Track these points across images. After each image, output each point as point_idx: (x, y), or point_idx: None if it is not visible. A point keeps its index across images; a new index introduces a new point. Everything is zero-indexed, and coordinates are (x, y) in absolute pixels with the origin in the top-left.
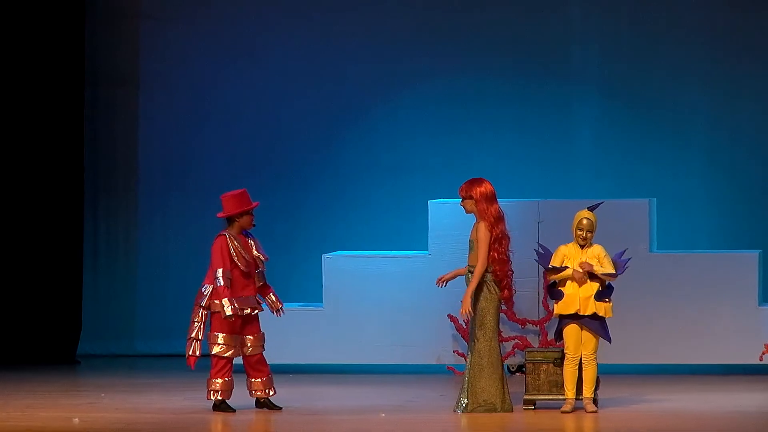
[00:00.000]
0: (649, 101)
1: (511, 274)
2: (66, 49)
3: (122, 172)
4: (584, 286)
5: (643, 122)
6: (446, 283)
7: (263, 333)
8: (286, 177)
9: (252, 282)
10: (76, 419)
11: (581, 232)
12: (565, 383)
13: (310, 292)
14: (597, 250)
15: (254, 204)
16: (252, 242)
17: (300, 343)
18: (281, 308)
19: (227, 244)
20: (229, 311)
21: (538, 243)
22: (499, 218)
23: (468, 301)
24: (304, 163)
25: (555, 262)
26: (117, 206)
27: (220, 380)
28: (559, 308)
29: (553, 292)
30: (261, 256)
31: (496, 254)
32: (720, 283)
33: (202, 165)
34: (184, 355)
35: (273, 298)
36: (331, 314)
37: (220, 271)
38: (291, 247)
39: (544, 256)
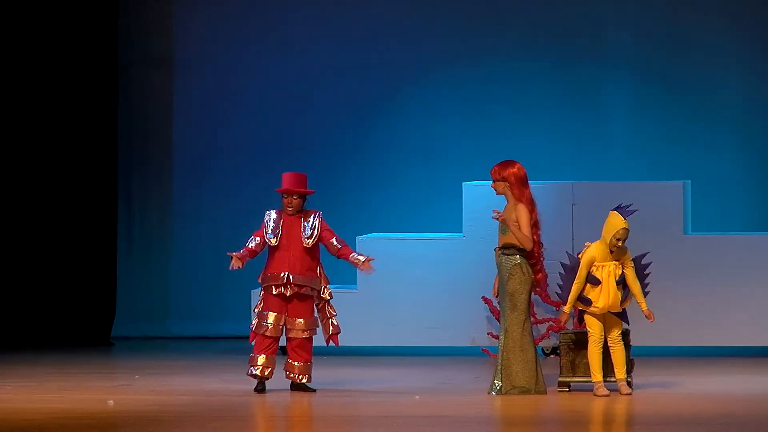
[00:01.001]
0: (684, 82)
1: (542, 258)
2: (100, 30)
3: (156, 154)
4: (614, 295)
5: (677, 103)
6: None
7: (314, 318)
8: (319, 158)
9: (288, 261)
10: (111, 401)
11: (618, 242)
12: (592, 366)
13: (344, 274)
14: (626, 255)
15: (282, 188)
16: (305, 225)
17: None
18: (367, 262)
19: (263, 220)
20: (236, 263)
21: (567, 254)
22: (533, 202)
23: (506, 216)
24: (337, 145)
25: (583, 270)
26: (151, 188)
27: (261, 356)
28: (587, 311)
29: (583, 298)
30: (305, 240)
31: (535, 237)
32: (755, 265)
33: (235, 147)
34: (218, 337)
35: (356, 257)
36: (365, 296)
37: (251, 237)
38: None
39: (570, 268)
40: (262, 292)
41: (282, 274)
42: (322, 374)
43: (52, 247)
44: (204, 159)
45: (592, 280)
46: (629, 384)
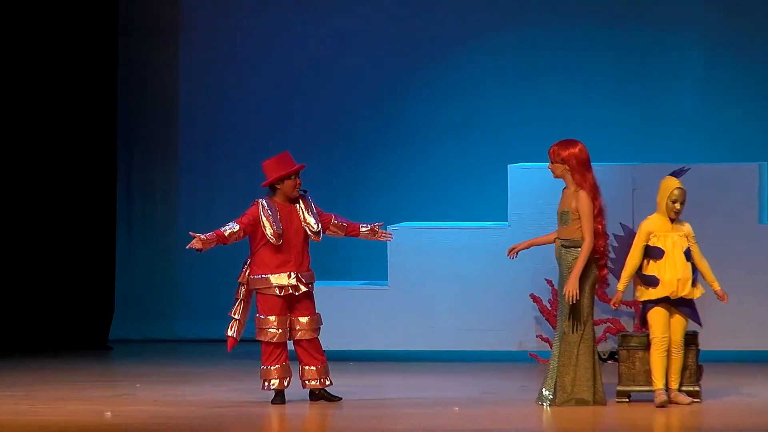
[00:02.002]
0: (760, 53)
1: (608, 251)
2: None
3: (160, 132)
4: (683, 267)
5: (752, 77)
6: (518, 253)
7: (318, 315)
8: (343, 139)
9: (293, 257)
10: (109, 413)
11: (675, 204)
12: (654, 372)
13: (374, 269)
14: (687, 228)
15: (295, 167)
16: (302, 208)
17: (362, 327)
18: (380, 228)
19: (257, 211)
20: (196, 242)
21: (621, 225)
22: (597, 187)
23: (575, 282)
24: (364, 124)
25: (639, 242)
26: (154, 169)
27: (273, 367)
28: (650, 294)
29: (646, 278)
30: (311, 225)
31: (600, 228)
32: None
33: (250, 125)
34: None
35: (367, 228)
36: (397, 294)
37: (219, 232)
38: (350, 218)
39: (624, 239)
40: (248, 294)
41: (291, 275)
42: (348, 382)
43: (41, 237)
44: (215, 137)
45: (654, 253)
46: (695, 393)
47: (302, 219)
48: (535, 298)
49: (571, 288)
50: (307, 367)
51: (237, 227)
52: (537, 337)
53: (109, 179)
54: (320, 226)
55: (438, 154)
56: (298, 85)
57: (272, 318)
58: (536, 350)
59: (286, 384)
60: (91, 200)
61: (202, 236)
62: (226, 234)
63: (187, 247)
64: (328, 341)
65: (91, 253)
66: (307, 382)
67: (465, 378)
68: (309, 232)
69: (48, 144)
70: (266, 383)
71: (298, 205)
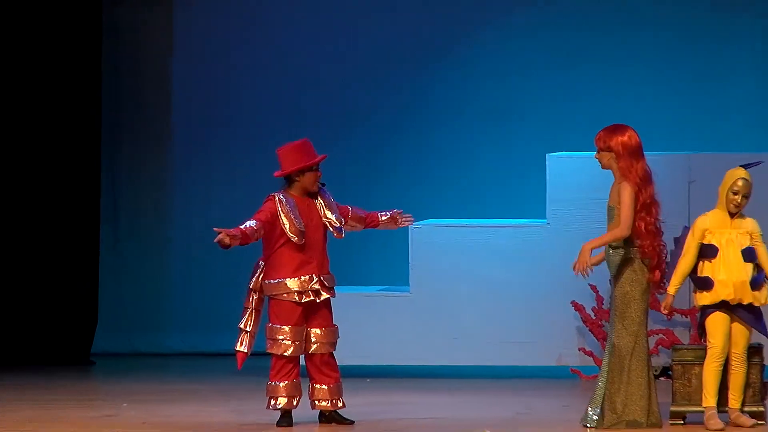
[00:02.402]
0: None
1: (664, 250)
2: None
3: (151, 119)
4: (739, 268)
5: None
6: (591, 270)
7: (335, 327)
8: (360, 129)
9: (315, 258)
10: None
11: (736, 197)
12: (705, 386)
13: (393, 272)
14: (750, 224)
15: (318, 158)
16: (321, 203)
17: (379, 339)
18: (402, 215)
19: (275, 207)
20: (221, 233)
21: (684, 228)
22: (647, 179)
23: (586, 255)
24: (383, 108)
25: (692, 241)
26: (144, 162)
27: (282, 383)
28: (705, 298)
29: (699, 280)
30: (333, 220)
31: (643, 224)
32: None
33: (252, 112)
34: (227, 354)
35: (387, 216)
36: (420, 301)
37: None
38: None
39: (682, 243)
40: (260, 302)
41: (313, 278)
42: (363, 401)
43: (16, 240)
44: (213, 125)
45: (708, 252)
46: (758, 415)
47: (322, 214)
48: (577, 306)
49: (580, 259)
50: (318, 386)
51: (257, 224)
52: (579, 350)
53: (91, 175)
54: (342, 222)
55: (466, 143)
56: (308, 70)
57: (287, 328)
58: (578, 365)
59: (294, 404)
60: (71, 198)
61: (229, 232)
62: (247, 231)
63: (214, 240)
64: (341, 355)
65: (72, 258)
66: (317, 402)
67: (497, 397)
68: (331, 228)
69: (24, 139)
70: (272, 401)
71: (316, 199)
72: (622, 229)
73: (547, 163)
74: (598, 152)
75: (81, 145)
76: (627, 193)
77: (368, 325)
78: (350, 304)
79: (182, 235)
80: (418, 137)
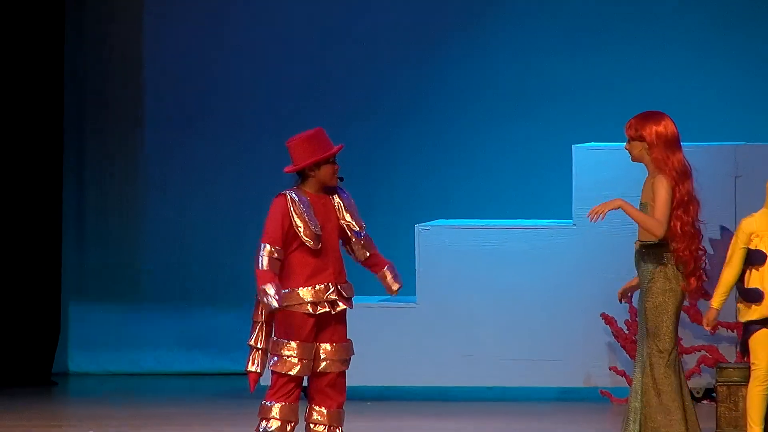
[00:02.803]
0: None
1: (703, 255)
2: None
3: (120, 107)
4: None
5: None
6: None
7: (349, 342)
8: (356, 114)
9: (331, 264)
10: None
11: None
12: (750, 412)
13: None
14: None
15: (335, 148)
16: (340, 203)
17: (382, 356)
18: (397, 290)
19: (286, 207)
20: (274, 301)
21: (721, 228)
22: (685, 173)
23: (611, 206)
24: (390, 92)
25: (737, 246)
26: (112, 156)
27: (278, 404)
28: (753, 313)
29: (747, 292)
30: (353, 224)
31: (680, 224)
32: None
33: (237, 98)
34: (210, 374)
35: (389, 276)
36: (428, 313)
37: (263, 248)
38: (370, 216)
39: (723, 244)
40: (271, 315)
41: (329, 287)
42: (363, 428)
43: None
44: (191, 113)
45: (755, 258)
46: None
47: (341, 216)
48: (607, 319)
49: (599, 207)
50: (317, 408)
51: (275, 250)
52: (610, 369)
53: (53, 169)
54: (363, 226)
55: (481, 134)
56: (302, 45)
57: (294, 344)
58: (609, 386)
59: (288, 430)
60: (33, 196)
61: (276, 296)
62: (274, 268)
63: (270, 310)
64: None
65: (32, 263)
66: (312, 425)
67: (515, 423)
68: (349, 233)
69: None
70: (263, 423)
71: (333, 196)
72: (657, 226)
73: (573, 155)
74: (629, 142)
75: (42, 140)
76: (662, 187)
77: (368, 340)
78: (347, 317)
79: (155, 239)
80: (426, 128)
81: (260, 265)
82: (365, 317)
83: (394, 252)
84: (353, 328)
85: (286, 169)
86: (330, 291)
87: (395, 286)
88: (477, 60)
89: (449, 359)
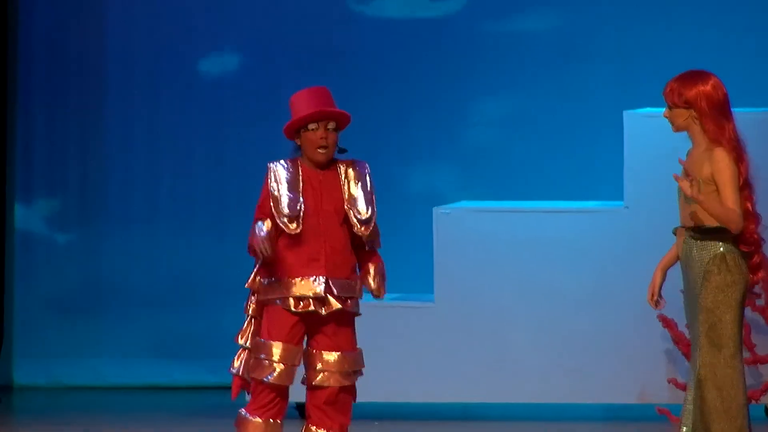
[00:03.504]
0: None
1: (762, 243)
2: None
3: (81, 69)
4: None
5: None
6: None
7: (358, 351)
8: (367, 78)
9: (324, 253)
10: None
11: None
12: None
13: (412, 274)
14: None
15: (323, 109)
16: (346, 179)
17: (393, 367)
18: (382, 295)
19: (266, 184)
20: (263, 231)
21: None
22: (741, 146)
23: (693, 184)
24: (407, 49)
25: None
26: (68, 131)
27: (255, 419)
28: None
29: None
30: (356, 209)
31: (750, 206)
32: None
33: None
34: (186, 387)
35: (371, 277)
36: (448, 314)
37: (256, 226)
38: (383, 197)
39: None
40: (258, 307)
41: (317, 281)
42: None
43: None
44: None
45: None
46: None
47: (346, 197)
48: (666, 322)
49: (688, 182)
50: (314, 428)
51: (266, 224)
52: (668, 382)
53: None
54: (372, 212)
55: (511, 99)
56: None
57: (276, 345)
58: (667, 403)
59: None
60: None
61: (266, 237)
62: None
63: (260, 254)
64: None
65: None
66: None
67: None
68: (352, 220)
69: None
70: None
71: (342, 172)
72: (736, 218)
73: (624, 123)
74: (670, 109)
75: None
76: (727, 165)
77: (375, 347)
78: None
79: (122, 226)
80: (448, 92)
81: (258, 231)
82: (371, 319)
83: (408, 240)
84: (358, 331)
85: (284, 131)
86: (318, 285)
87: (376, 291)
88: (508, 13)
89: (474, 370)
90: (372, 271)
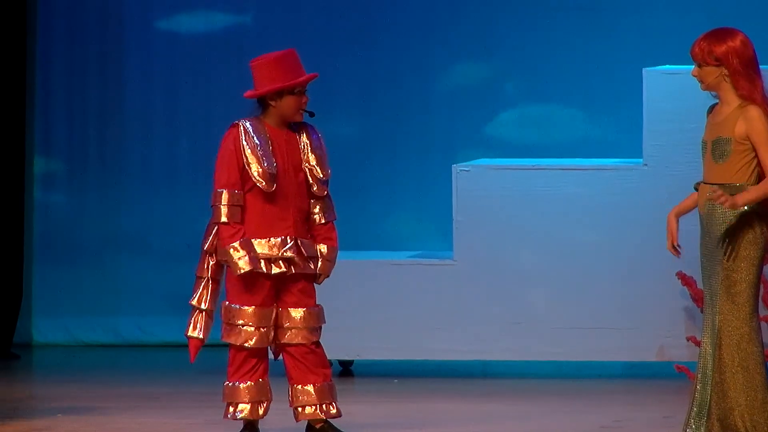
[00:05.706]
0: None
1: None
2: None
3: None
4: None
5: None
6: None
7: (319, 308)
8: (385, 40)
9: (291, 213)
10: None
11: None
12: None
13: (431, 232)
14: None
15: (303, 77)
16: (307, 143)
17: (413, 325)
18: (320, 278)
19: (238, 140)
20: (243, 263)
21: None
22: None
23: (738, 199)
24: (421, 11)
25: None
26: (86, 88)
27: (243, 384)
28: None
29: None
30: (317, 169)
31: None
32: None
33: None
34: (216, 345)
35: (323, 250)
36: (468, 272)
37: (222, 194)
38: (398, 155)
39: None
40: (218, 270)
41: (287, 242)
42: (389, 411)
43: None
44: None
45: None
46: None
47: (304, 158)
48: (685, 279)
49: (727, 198)
50: (299, 387)
51: (235, 193)
52: (688, 339)
53: (15, 120)
54: (328, 174)
55: (531, 52)
56: None
57: (249, 309)
58: (686, 361)
59: (261, 412)
60: None
61: (254, 253)
62: (239, 221)
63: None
64: (358, 346)
65: None
66: (299, 409)
67: (572, 405)
68: (311, 178)
69: None
70: (231, 408)
71: (300, 134)
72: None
73: (643, 80)
74: (700, 67)
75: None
76: (763, 122)
77: (396, 305)
78: (370, 277)
79: (136, 183)
80: (466, 46)
81: (220, 216)
82: (392, 277)
83: (425, 196)
84: (376, 292)
85: (246, 94)
86: (287, 246)
87: (319, 278)
88: None
89: (493, 328)
90: (324, 254)
